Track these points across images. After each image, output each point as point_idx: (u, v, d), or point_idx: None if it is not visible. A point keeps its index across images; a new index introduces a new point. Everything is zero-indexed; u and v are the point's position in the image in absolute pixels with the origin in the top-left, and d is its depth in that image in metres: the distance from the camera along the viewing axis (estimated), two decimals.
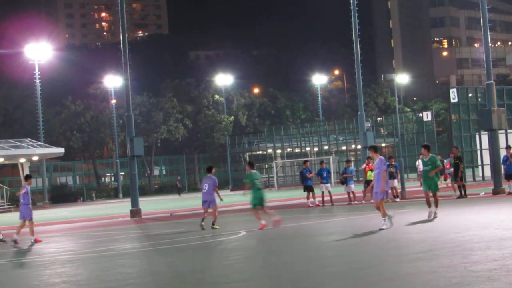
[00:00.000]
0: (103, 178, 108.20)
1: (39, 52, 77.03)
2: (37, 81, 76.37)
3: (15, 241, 25.47)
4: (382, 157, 21.74)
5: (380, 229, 20.53)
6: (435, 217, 22.84)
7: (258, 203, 24.22)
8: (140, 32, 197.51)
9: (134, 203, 39.81)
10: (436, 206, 23.36)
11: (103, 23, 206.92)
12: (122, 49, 41.17)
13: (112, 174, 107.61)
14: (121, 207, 53.48)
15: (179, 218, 35.01)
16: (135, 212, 38.78)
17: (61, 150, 74.22)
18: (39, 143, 72.80)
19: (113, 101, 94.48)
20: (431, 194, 23.44)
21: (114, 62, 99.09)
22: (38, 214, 54.24)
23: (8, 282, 15.88)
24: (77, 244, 25.37)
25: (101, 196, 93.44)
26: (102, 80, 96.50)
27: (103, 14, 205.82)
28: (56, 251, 22.61)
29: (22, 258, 21.41)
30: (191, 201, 58.95)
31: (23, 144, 70.34)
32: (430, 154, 23.68)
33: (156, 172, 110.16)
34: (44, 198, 76.56)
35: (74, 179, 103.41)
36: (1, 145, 68.18)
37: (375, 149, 22.49)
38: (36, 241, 25.62)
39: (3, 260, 21.01)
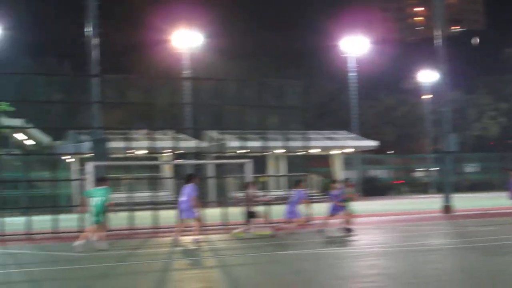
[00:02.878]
0: (414, 173, 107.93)
1: (355, 46, 78.67)
2: (353, 74, 77.93)
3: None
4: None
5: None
6: None
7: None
8: (458, 27, 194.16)
9: (446, 199, 39.56)
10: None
11: (418, 18, 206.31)
12: (437, 44, 40.94)
13: (424, 169, 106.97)
14: (431, 202, 53.10)
15: (493, 216, 34.01)
16: (447, 208, 38.48)
17: (374, 143, 75.25)
18: (354, 135, 74.32)
19: (427, 96, 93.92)
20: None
21: (428, 57, 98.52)
22: (353, 206, 55.25)
23: (320, 271, 16.42)
24: (388, 237, 25.63)
25: (411, 190, 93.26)
26: (415, 75, 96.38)
27: (419, 9, 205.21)
28: (369, 243, 23.04)
29: (336, 248, 22.04)
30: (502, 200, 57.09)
31: (336, 136, 72.16)
32: None
33: (468, 169, 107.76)
34: (357, 191, 78.11)
35: (386, 173, 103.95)
36: (317, 136, 70.62)
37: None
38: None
39: (320, 250, 21.78)
